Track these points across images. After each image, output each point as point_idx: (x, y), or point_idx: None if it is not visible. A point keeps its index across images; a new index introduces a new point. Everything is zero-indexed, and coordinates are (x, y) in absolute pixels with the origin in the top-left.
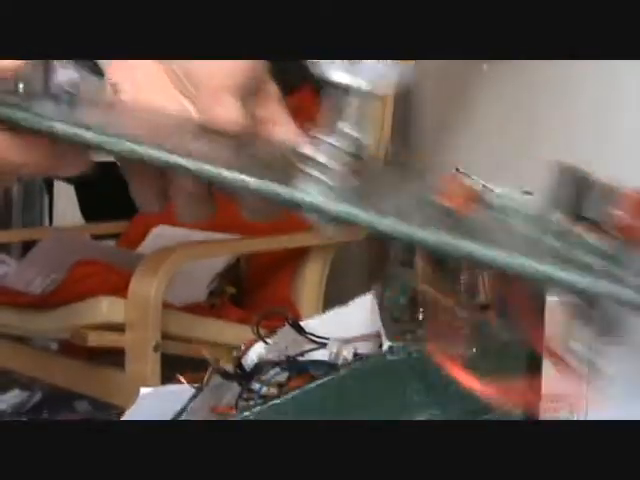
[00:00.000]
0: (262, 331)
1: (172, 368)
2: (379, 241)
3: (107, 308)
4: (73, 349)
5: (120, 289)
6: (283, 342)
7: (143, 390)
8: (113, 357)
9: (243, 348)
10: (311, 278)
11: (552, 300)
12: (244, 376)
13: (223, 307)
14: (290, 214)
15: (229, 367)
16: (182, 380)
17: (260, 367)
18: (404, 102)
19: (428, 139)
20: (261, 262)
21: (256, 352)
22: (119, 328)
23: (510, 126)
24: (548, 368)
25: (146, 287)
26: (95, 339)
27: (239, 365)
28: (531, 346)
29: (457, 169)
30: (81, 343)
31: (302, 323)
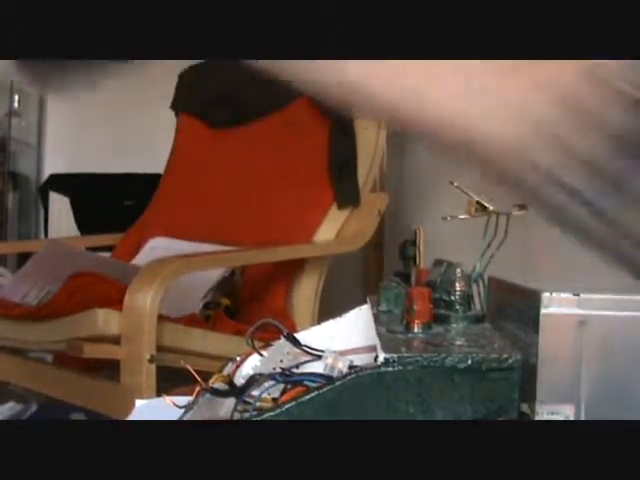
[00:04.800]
0: (257, 343)
1: (167, 380)
2: (374, 253)
3: (102, 320)
4: (69, 361)
5: (116, 301)
6: (278, 354)
7: (138, 402)
8: (108, 369)
9: (238, 360)
10: (306, 290)
11: (547, 312)
12: (239, 388)
13: (218, 319)
14: (287, 227)
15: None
16: (177, 392)
17: (255, 379)
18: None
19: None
20: (256, 274)
21: (251, 364)
22: (114, 340)
23: None
24: (544, 374)
25: (141, 299)
26: (90, 351)
27: (234, 377)
28: None
29: (452, 182)
30: (77, 355)
31: (297, 335)
